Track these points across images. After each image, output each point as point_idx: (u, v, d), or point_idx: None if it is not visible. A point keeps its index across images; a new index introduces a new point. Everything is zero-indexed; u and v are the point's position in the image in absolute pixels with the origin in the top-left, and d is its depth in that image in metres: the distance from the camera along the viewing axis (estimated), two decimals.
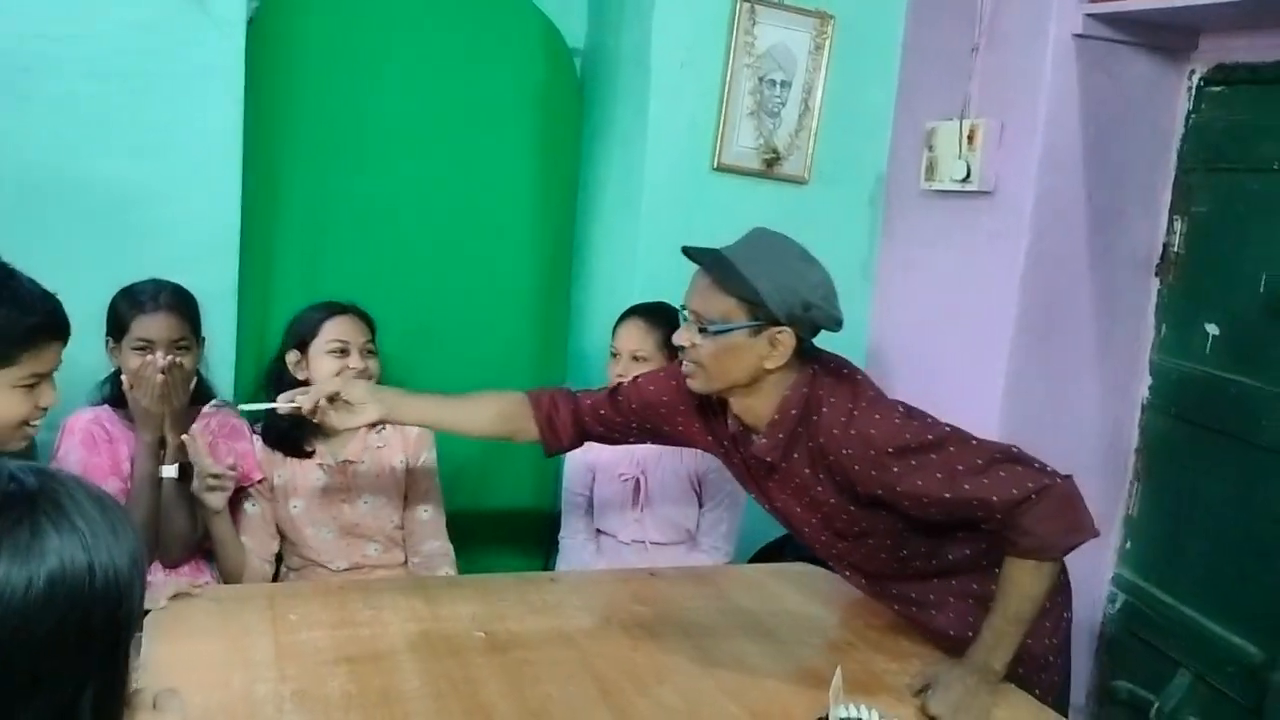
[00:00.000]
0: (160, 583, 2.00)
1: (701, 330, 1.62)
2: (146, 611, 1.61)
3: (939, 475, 1.55)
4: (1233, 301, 2.28)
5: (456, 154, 2.70)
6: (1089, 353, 2.46)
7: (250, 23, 2.40)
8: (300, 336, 2.26)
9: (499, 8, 2.72)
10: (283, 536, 2.27)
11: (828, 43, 2.72)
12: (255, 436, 2.25)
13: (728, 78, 2.64)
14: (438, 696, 1.48)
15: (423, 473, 2.35)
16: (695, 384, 1.67)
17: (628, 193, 2.71)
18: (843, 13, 2.71)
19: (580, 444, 1.95)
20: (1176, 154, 2.45)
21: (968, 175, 2.47)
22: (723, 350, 1.61)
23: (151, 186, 2.29)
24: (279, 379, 2.25)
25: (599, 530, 2.50)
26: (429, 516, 2.34)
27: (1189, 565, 2.37)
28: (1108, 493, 2.52)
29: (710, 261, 1.62)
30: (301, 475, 2.24)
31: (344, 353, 2.23)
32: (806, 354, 1.67)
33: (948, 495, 1.55)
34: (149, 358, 1.98)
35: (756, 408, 1.67)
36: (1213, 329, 2.33)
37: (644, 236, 2.65)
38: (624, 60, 2.74)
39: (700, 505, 2.43)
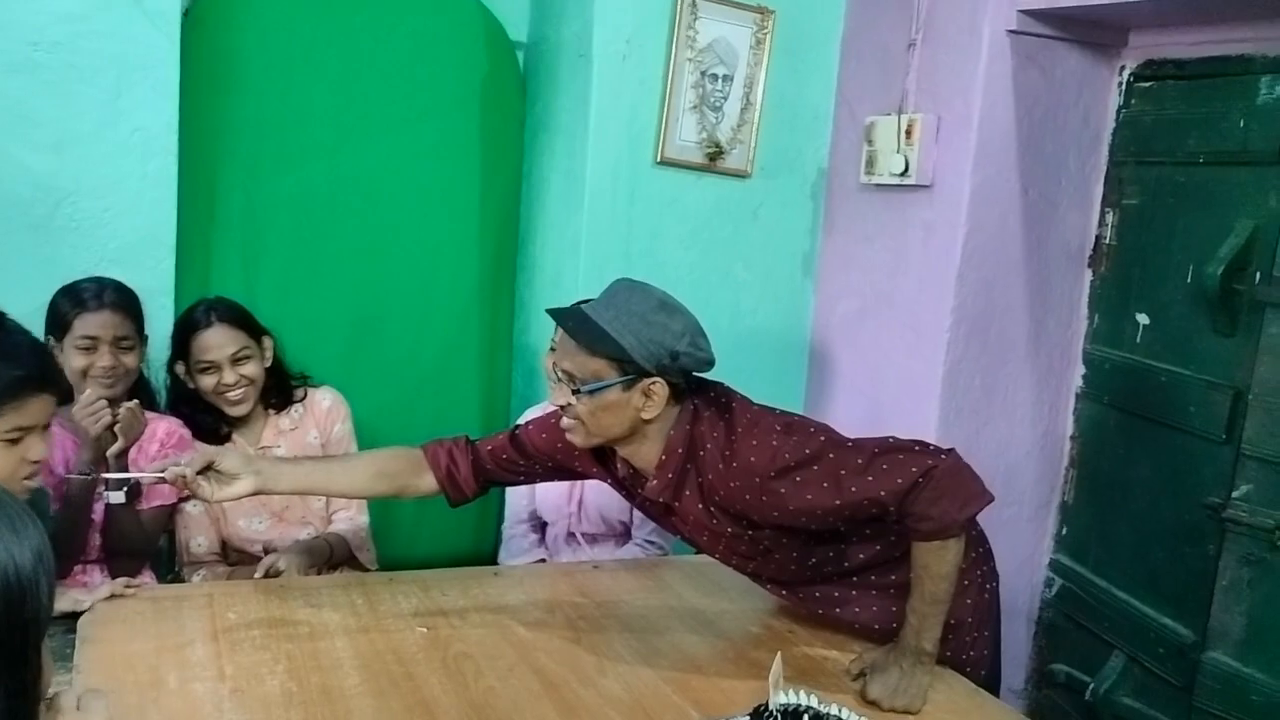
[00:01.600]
0: (96, 583, 1.97)
1: (575, 391, 1.62)
2: (80, 613, 1.59)
3: (825, 485, 1.58)
4: (1162, 292, 2.34)
5: (397, 147, 2.68)
6: (1024, 343, 2.51)
7: (185, 15, 2.36)
8: (180, 349, 2.20)
9: (440, 0, 2.70)
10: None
11: (768, 37, 2.74)
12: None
13: (670, 71, 2.65)
14: (379, 694, 1.48)
15: (335, 444, 2.34)
16: (576, 439, 1.68)
17: (570, 186, 2.71)
18: (783, 8, 2.73)
19: (486, 491, 1.92)
20: (1108, 147, 2.50)
21: (906, 169, 2.51)
22: (598, 408, 1.61)
23: (83, 182, 2.25)
24: (180, 391, 2.24)
25: (541, 520, 2.51)
26: None
27: (1121, 550, 2.43)
28: (1043, 479, 2.58)
29: (574, 325, 1.63)
30: None
31: (213, 370, 2.15)
32: (686, 391, 1.67)
33: (838, 502, 1.57)
34: (95, 403, 1.93)
35: (643, 453, 1.69)
36: (1143, 318, 2.39)
37: (587, 230, 2.66)
38: (566, 53, 2.74)
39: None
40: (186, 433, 2.18)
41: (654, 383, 1.61)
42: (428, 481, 1.85)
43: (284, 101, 2.55)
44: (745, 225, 2.86)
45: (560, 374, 1.65)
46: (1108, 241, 2.50)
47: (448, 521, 2.76)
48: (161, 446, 2.11)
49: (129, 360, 2.08)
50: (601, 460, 1.80)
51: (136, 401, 2.00)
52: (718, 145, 2.74)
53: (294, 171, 2.59)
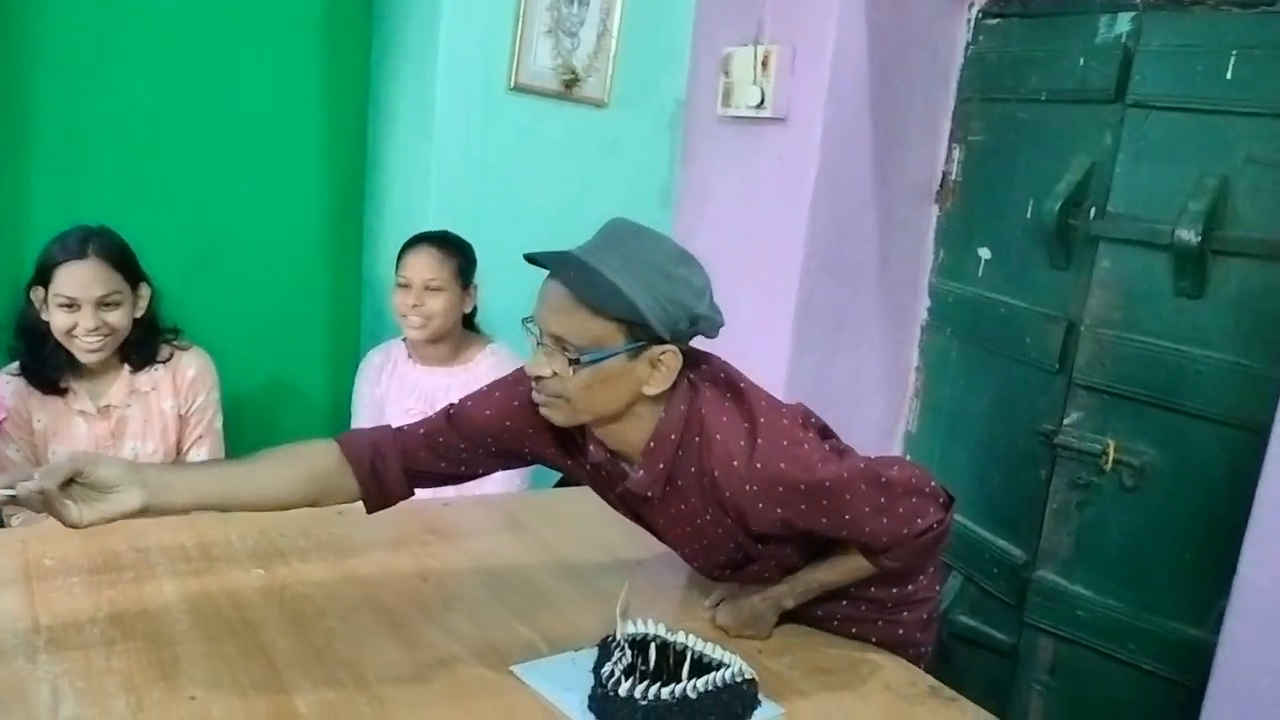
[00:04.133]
0: None
1: (575, 361, 1.32)
2: None
3: (847, 516, 1.41)
4: (1003, 227, 2.41)
5: (231, 67, 2.53)
6: (873, 276, 2.56)
7: None
8: (43, 274, 2.01)
9: None
10: None
11: None
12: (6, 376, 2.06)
13: None
14: (211, 638, 1.41)
15: (197, 415, 2.21)
16: (556, 417, 1.39)
17: (420, 113, 2.61)
18: None
19: (412, 493, 1.60)
20: (956, 84, 2.55)
21: (762, 101, 2.49)
22: (596, 381, 1.34)
23: None
24: (28, 319, 2.05)
25: None
26: (200, 455, 2.21)
27: (961, 476, 2.53)
28: (890, 410, 2.65)
29: (576, 276, 1.31)
30: (63, 419, 2.07)
31: (73, 308, 1.96)
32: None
33: (846, 534, 1.44)
34: None
35: (627, 434, 1.43)
36: (985, 253, 2.46)
37: (438, 158, 2.57)
38: None
39: None
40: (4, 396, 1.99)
41: (666, 352, 1.35)
42: (349, 484, 1.52)
43: (103, 16, 2.36)
44: (603, 157, 2.81)
45: (548, 339, 1.35)
46: (954, 177, 2.56)
47: None
48: None
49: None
50: (562, 442, 1.52)
51: None
52: (574, 72, 2.68)
53: (116, 93, 2.41)
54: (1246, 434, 1.92)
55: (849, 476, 1.39)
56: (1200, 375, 2.02)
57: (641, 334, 1.33)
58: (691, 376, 1.44)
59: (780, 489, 1.37)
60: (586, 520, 1.95)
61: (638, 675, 1.30)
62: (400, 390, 2.37)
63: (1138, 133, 2.10)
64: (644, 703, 1.26)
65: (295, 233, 2.70)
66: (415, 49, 2.62)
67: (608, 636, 1.42)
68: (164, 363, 2.15)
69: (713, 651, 1.36)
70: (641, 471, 1.44)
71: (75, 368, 2.04)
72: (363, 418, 2.43)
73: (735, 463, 1.37)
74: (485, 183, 2.64)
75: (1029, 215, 2.33)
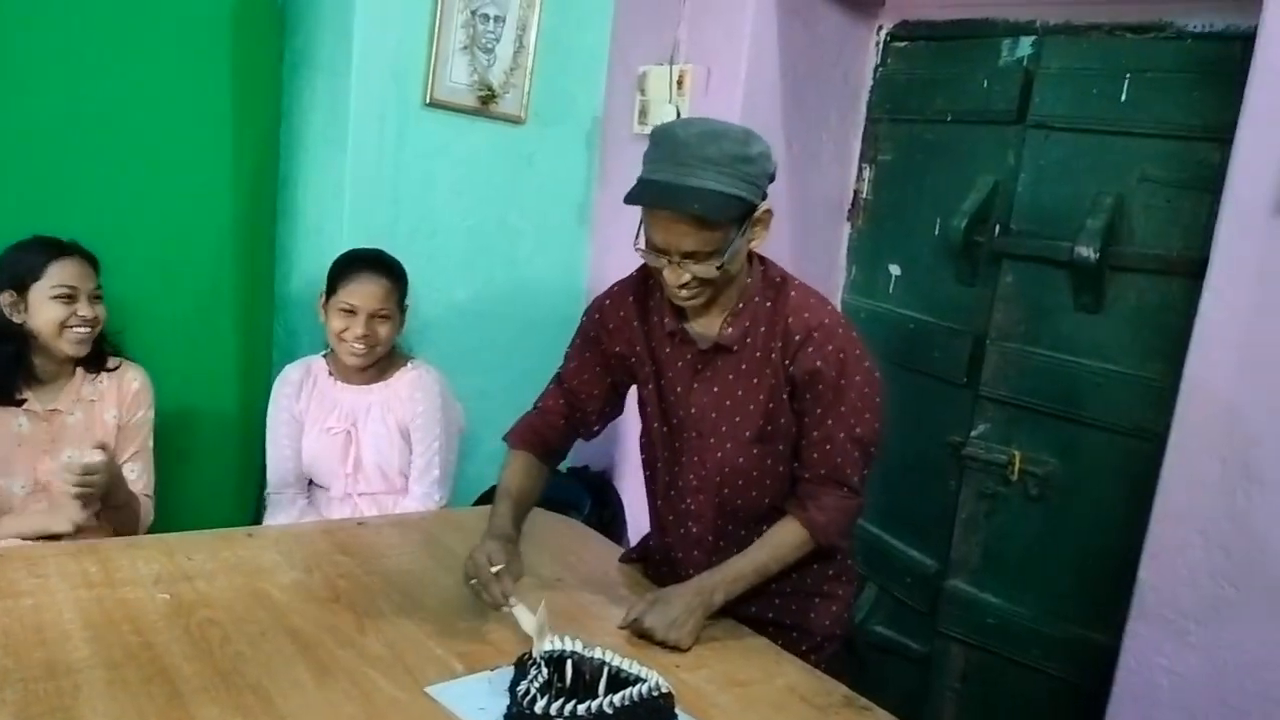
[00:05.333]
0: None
1: (720, 267, 1.50)
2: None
3: (847, 404, 1.59)
4: (912, 244, 2.47)
5: (137, 78, 2.45)
6: None
7: None
8: (18, 278, 2.06)
9: None
10: None
11: None
12: None
13: (438, 8, 2.55)
14: (112, 666, 1.36)
15: (135, 429, 2.18)
16: (698, 302, 1.58)
17: (333, 127, 2.58)
18: None
19: (570, 444, 1.85)
20: (866, 104, 2.61)
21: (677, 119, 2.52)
22: (729, 260, 1.51)
23: None
24: None
25: (311, 483, 2.39)
26: (134, 478, 2.17)
27: (873, 487, 2.54)
28: None
29: (697, 205, 1.45)
30: (3, 419, 2.03)
31: (71, 299, 2.06)
32: None
33: (830, 424, 1.60)
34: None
35: (720, 299, 1.61)
36: (895, 269, 2.51)
37: (352, 173, 2.54)
38: None
39: (411, 452, 2.36)
40: None
41: (764, 211, 1.54)
42: (546, 466, 1.83)
43: (3, 20, 2.28)
44: (520, 172, 2.81)
45: (676, 256, 1.50)
46: (865, 196, 2.62)
47: (200, 487, 2.60)
48: None
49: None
50: (640, 317, 1.70)
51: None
52: (490, 89, 2.67)
53: (15, 103, 2.32)
54: (1144, 443, 1.99)
55: (877, 389, 1.61)
56: (1099, 387, 2.10)
57: (748, 212, 1.51)
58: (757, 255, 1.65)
59: (829, 346, 1.57)
60: None
61: (554, 692, 1.29)
62: (321, 408, 2.33)
63: (1039, 152, 2.18)
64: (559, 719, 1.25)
65: (205, 248, 2.63)
66: (328, 63, 2.58)
67: (524, 655, 1.41)
68: (111, 371, 2.16)
69: (630, 667, 1.36)
70: (731, 329, 1.61)
71: (29, 376, 2.06)
72: (279, 434, 2.37)
73: (806, 314, 1.59)
74: (400, 198, 2.61)
75: (936, 233, 2.40)
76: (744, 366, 1.63)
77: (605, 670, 1.35)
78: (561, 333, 2.85)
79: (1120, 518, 2.04)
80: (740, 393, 1.64)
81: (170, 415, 2.53)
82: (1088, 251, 2.04)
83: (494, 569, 1.55)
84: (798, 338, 1.58)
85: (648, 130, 2.62)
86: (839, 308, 2.64)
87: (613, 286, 1.77)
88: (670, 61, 2.55)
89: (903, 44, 2.53)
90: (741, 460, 1.66)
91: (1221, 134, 1.83)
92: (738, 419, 1.65)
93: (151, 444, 2.24)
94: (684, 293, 1.55)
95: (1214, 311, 1.74)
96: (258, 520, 2.49)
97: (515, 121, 2.75)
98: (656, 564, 1.85)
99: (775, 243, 2.51)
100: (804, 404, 1.61)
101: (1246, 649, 1.74)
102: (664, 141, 1.51)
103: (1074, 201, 2.11)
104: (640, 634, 1.58)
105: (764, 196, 1.53)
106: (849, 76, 2.57)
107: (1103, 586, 2.08)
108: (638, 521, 2.79)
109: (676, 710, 1.35)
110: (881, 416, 1.63)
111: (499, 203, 2.78)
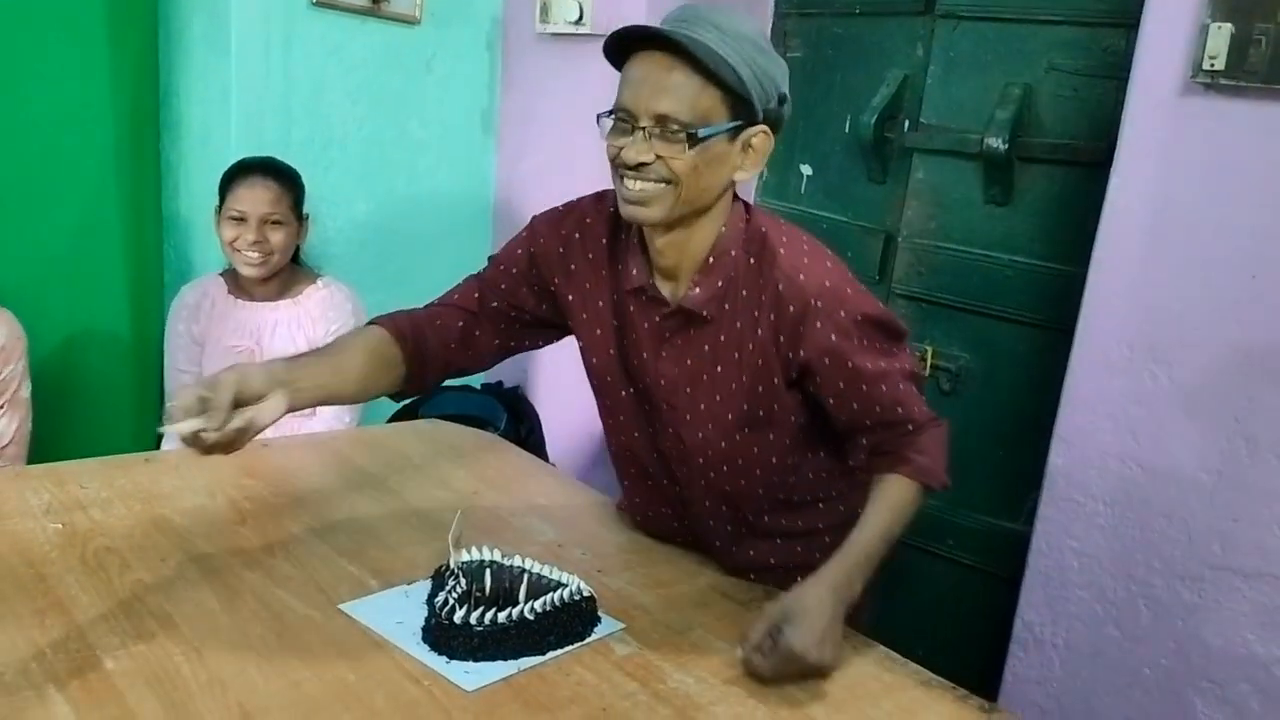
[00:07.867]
0: None
1: (690, 136, 1.25)
2: None
3: (883, 364, 1.36)
4: (823, 143, 2.44)
5: None
6: None
7: None
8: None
9: None
10: None
11: None
12: None
13: None
14: (1, 599, 1.29)
15: (4, 385, 2.05)
16: (654, 210, 1.30)
17: (215, 30, 2.42)
18: None
19: (446, 375, 1.55)
20: None
21: (581, 17, 2.43)
22: (703, 162, 1.27)
23: None
24: None
25: None
26: (2, 425, 2.05)
27: None
28: None
29: (688, 44, 1.23)
30: None
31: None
32: None
33: (884, 388, 1.37)
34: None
35: (689, 245, 1.36)
36: (806, 170, 2.48)
37: (237, 80, 2.40)
38: None
39: None
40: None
41: (758, 134, 1.31)
42: (396, 364, 1.48)
43: None
44: (418, 77, 2.69)
45: (648, 120, 1.26)
46: None
47: (96, 423, 2.48)
48: None
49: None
50: (599, 267, 1.45)
51: None
52: None
53: None
54: (1054, 334, 2.02)
55: (879, 307, 1.38)
56: (1009, 280, 2.11)
57: (741, 111, 1.28)
58: (741, 199, 1.41)
59: (842, 313, 1.34)
60: (420, 454, 1.89)
61: (473, 602, 1.26)
62: (223, 328, 2.23)
63: (947, 44, 2.15)
64: (480, 629, 1.22)
65: (84, 169, 2.46)
66: None
67: (441, 566, 1.37)
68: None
69: (550, 572, 1.33)
70: (698, 289, 1.37)
71: None
72: (178, 359, 2.27)
73: (801, 276, 1.33)
74: (290, 106, 2.48)
75: (847, 130, 2.37)
76: (722, 338, 1.39)
77: (525, 577, 1.32)
78: (469, 247, 2.79)
79: (1030, 408, 2.08)
80: (719, 369, 1.41)
81: (57, 351, 2.40)
82: (997, 143, 2.03)
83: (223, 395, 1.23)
84: (793, 310, 1.33)
85: (550, 29, 2.53)
86: None
87: (582, 215, 1.49)
88: None
89: None
90: (724, 445, 1.45)
91: (1127, 19, 1.82)
92: (717, 398, 1.42)
93: (27, 394, 2.11)
94: (636, 185, 1.29)
95: (1121, 197, 1.75)
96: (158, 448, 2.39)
97: (409, 22, 2.62)
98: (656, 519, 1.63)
99: None
100: (829, 379, 1.37)
101: (1152, 526, 1.80)
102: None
103: (983, 93, 2.10)
104: (779, 668, 1.23)
105: (765, 119, 1.31)
106: None
107: (1014, 477, 2.13)
108: (554, 437, 2.76)
109: (599, 613, 1.34)
110: (898, 324, 1.41)
111: (397, 110, 2.67)
